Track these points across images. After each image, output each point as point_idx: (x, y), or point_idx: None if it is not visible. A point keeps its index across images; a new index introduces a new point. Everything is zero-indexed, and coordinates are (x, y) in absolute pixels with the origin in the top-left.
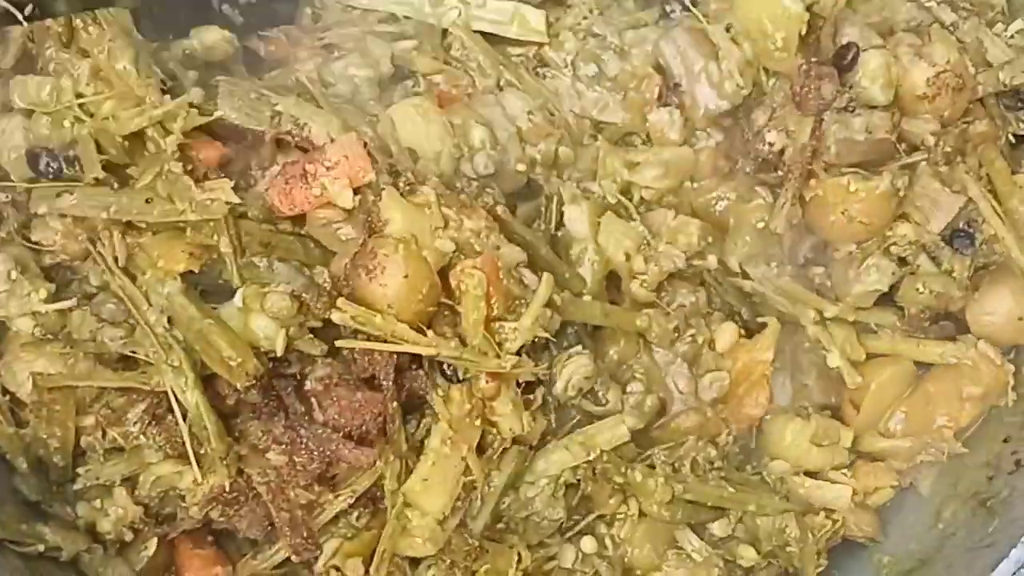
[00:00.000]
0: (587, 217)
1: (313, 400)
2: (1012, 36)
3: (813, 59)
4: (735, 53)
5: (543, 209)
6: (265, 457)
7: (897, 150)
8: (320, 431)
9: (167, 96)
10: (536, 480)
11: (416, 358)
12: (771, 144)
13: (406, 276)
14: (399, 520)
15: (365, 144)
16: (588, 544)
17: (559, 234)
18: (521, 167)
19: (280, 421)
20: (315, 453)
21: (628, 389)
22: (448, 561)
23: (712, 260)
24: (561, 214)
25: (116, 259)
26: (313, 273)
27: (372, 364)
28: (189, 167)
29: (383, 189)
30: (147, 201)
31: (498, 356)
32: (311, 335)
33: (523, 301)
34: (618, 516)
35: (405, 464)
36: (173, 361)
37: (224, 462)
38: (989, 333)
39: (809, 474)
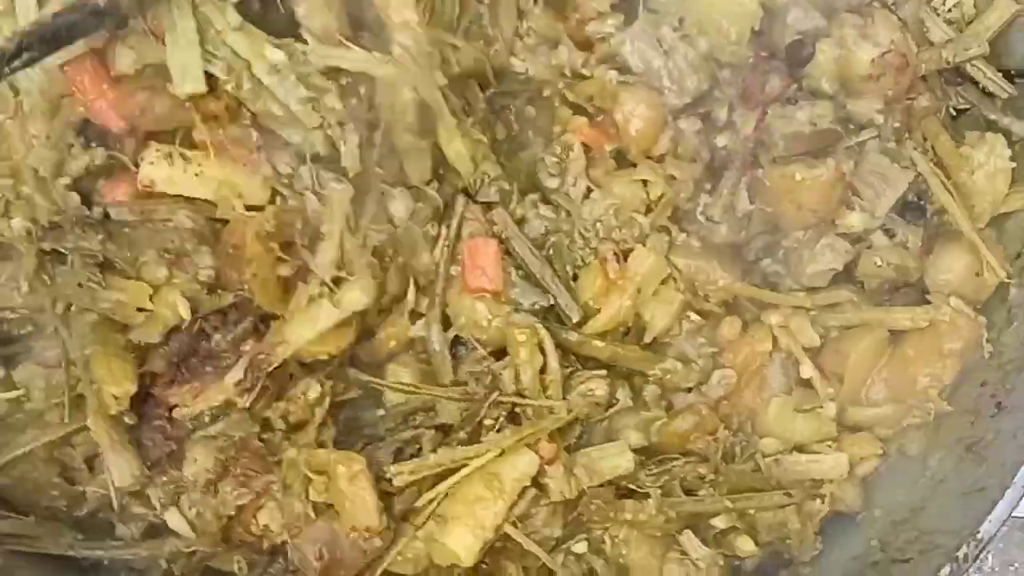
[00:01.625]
0: None
1: None
2: (949, 10)
3: (764, 53)
4: (690, 49)
5: None
6: None
7: (841, 135)
8: None
9: None
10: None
11: None
12: (724, 147)
13: None
14: None
15: None
16: (580, 546)
17: None
18: None
19: None
20: None
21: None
22: None
23: None
24: None
25: None
26: None
27: None
28: None
29: None
30: None
31: (551, 411)
32: None
33: None
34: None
35: None
36: None
37: None
38: (949, 292)
39: (799, 450)
